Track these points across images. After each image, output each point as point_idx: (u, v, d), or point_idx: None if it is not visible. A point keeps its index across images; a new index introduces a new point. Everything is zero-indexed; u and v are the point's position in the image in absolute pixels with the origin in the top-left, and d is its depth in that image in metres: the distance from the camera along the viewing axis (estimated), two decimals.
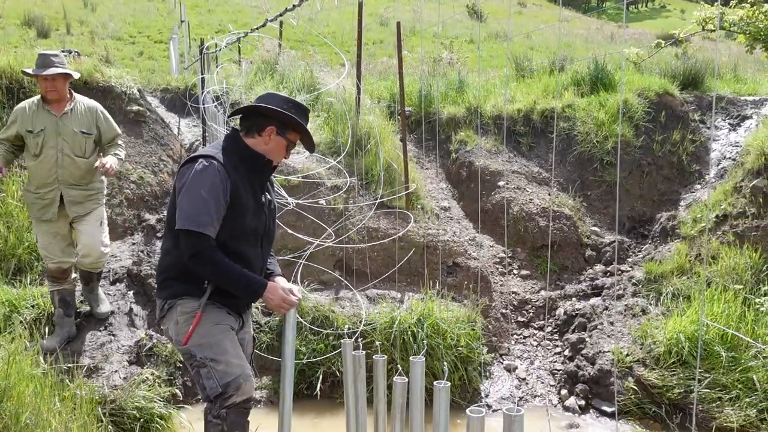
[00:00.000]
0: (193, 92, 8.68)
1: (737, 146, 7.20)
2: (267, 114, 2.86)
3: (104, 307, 5.06)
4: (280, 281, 2.99)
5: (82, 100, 4.69)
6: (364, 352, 3.08)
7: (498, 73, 10.63)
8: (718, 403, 4.69)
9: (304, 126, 2.91)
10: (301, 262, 5.67)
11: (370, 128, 6.68)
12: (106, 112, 4.78)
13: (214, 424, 2.75)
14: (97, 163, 4.47)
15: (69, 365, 4.14)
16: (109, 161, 4.48)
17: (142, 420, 4.18)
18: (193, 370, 2.86)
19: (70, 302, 4.83)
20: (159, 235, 6.34)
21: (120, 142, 4.81)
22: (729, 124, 7.74)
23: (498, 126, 7.94)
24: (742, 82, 9.16)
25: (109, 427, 3.60)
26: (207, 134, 7.95)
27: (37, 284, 5.25)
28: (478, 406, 2.25)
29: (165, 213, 6.62)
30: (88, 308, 5.07)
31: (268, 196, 3.05)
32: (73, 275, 4.89)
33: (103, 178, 4.78)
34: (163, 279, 2.91)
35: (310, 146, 3.08)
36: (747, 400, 4.66)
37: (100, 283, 5.19)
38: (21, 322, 4.36)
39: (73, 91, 4.67)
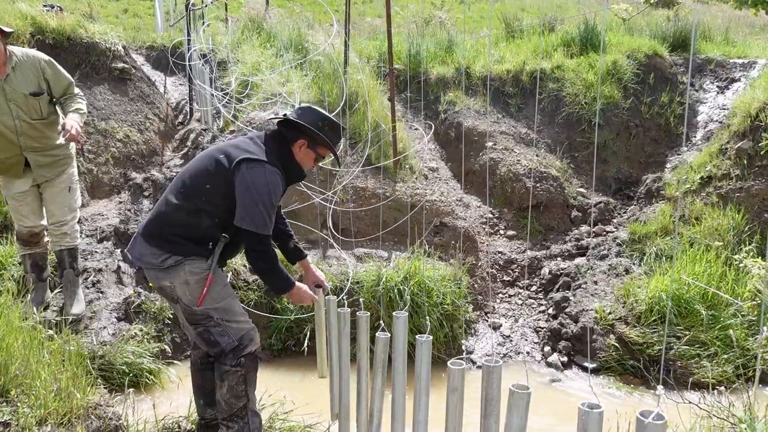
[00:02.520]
0: (179, 50, 8.55)
1: (725, 109, 7.23)
2: (300, 129, 3.05)
3: (78, 307, 4.58)
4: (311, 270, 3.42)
5: (24, 55, 4.16)
6: (349, 309, 3.14)
7: (488, 33, 10.53)
8: (696, 359, 4.81)
9: (332, 147, 3.12)
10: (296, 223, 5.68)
11: (359, 87, 6.64)
12: (50, 60, 4.24)
13: (233, 372, 3.00)
14: (60, 133, 4.00)
15: (57, 319, 4.17)
16: (71, 122, 3.98)
17: (131, 374, 4.24)
18: (200, 328, 3.02)
19: (42, 266, 4.61)
20: (146, 194, 6.32)
21: (76, 90, 4.29)
22: (717, 86, 7.76)
23: (487, 86, 7.91)
24: (732, 44, 9.14)
25: (99, 380, 3.64)
26: (194, 93, 7.87)
27: None
28: (460, 358, 2.31)
29: (153, 172, 6.59)
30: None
31: None
32: (46, 239, 4.56)
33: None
34: (170, 234, 2.96)
35: (337, 162, 3.40)
36: (725, 356, 4.78)
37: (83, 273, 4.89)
38: (9, 278, 4.36)
39: (9, 49, 4.11)
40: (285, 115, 3.11)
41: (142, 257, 2.98)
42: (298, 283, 3.18)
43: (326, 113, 3.13)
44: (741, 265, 5.09)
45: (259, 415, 3.21)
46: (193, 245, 2.94)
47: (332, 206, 5.85)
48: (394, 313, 2.64)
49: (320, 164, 6.08)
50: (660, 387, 1.66)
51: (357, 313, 3.04)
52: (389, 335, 2.76)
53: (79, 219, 4.73)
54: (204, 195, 2.93)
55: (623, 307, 5.24)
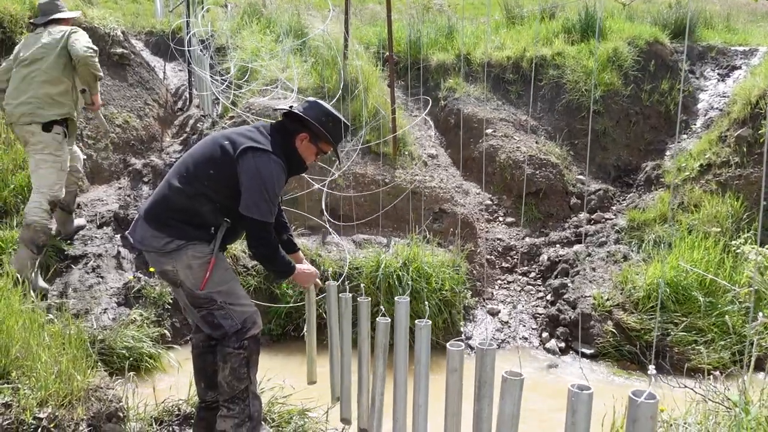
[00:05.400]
0: (178, 36, 8.52)
1: (725, 96, 7.22)
2: (303, 122, 3.09)
3: (80, 221, 5.44)
4: (303, 263, 3.44)
5: None
6: (350, 294, 3.16)
7: (488, 20, 10.47)
8: (693, 345, 4.83)
9: (334, 143, 3.17)
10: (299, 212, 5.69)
11: (358, 74, 6.62)
12: None
13: (236, 354, 3.01)
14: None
15: (57, 301, 4.19)
16: None
17: (131, 359, 4.26)
18: (203, 311, 3.03)
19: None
20: (145, 179, 6.33)
21: None
22: (718, 74, 7.74)
23: (487, 73, 7.89)
24: (733, 32, 9.10)
25: (99, 363, 3.66)
26: (193, 78, 7.85)
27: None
28: (459, 340, 2.32)
29: (152, 158, 6.59)
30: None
31: None
32: None
33: None
34: (172, 218, 2.97)
35: (338, 159, 3.66)
36: (721, 342, 4.81)
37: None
38: (9, 262, 4.37)
39: None
40: (291, 107, 3.13)
41: (143, 240, 2.99)
42: (298, 266, 3.23)
43: (332, 110, 3.16)
44: (739, 251, 5.10)
45: (259, 398, 3.23)
46: (195, 229, 2.96)
47: (326, 189, 5.85)
48: (396, 298, 2.66)
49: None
50: (651, 366, 1.67)
51: (358, 298, 3.06)
52: (389, 320, 2.79)
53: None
54: (207, 180, 2.94)
55: (621, 293, 5.26)
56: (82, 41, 4.72)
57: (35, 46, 4.68)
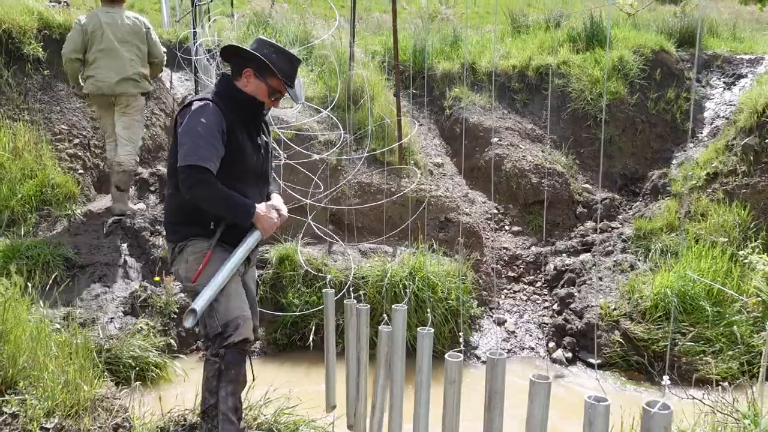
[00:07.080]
0: (185, 45, 8.56)
1: (731, 105, 7.21)
2: (245, 56, 2.90)
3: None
4: (272, 200, 3.07)
5: None
6: (354, 300, 3.13)
7: (493, 29, 10.50)
8: (701, 355, 4.80)
9: (280, 76, 2.88)
10: (306, 221, 5.69)
11: (364, 82, 6.63)
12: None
13: (212, 362, 2.75)
14: None
15: (64, 311, 4.20)
16: None
17: (137, 368, 4.26)
18: None
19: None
20: (152, 189, 6.35)
21: None
22: (724, 83, 7.73)
23: (493, 82, 7.90)
24: (739, 40, 9.09)
25: (105, 373, 3.66)
26: (199, 88, 7.87)
27: (30, 235, 5.27)
28: (458, 351, 2.31)
29: (159, 167, 6.62)
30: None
31: (264, 138, 3.10)
32: None
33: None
34: (171, 224, 2.98)
35: (293, 99, 3.06)
36: (729, 353, 4.78)
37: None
38: (16, 271, 4.38)
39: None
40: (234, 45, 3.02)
41: (169, 259, 3.04)
42: (259, 207, 2.89)
43: (278, 44, 2.97)
44: (746, 261, 5.08)
45: (235, 425, 2.77)
46: (191, 226, 2.91)
47: (329, 198, 5.85)
48: (393, 306, 2.63)
49: (326, 158, 6.08)
50: (666, 377, 1.66)
51: (357, 305, 3.04)
52: (392, 329, 2.76)
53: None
54: (173, 168, 2.86)
55: (628, 303, 5.24)
56: (159, 42, 5.79)
57: (121, 28, 5.45)
